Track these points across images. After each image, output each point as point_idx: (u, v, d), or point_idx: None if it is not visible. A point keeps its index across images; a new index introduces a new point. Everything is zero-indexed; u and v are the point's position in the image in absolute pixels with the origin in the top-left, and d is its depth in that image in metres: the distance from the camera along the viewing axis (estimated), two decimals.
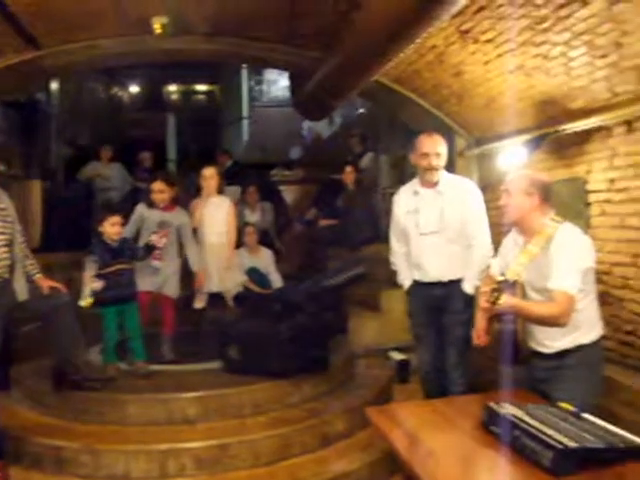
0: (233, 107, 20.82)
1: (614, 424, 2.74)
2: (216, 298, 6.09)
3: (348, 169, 8.19)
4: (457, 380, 4.47)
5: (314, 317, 5.29)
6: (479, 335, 3.63)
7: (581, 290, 3.17)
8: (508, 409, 2.81)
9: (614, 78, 4.13)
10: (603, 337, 3.44)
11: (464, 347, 4.47)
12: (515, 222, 3.43)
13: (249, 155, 16.14)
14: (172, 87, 21.19)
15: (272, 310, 5.36)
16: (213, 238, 5.99)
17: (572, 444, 2.44)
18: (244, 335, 5.17)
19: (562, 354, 3.32)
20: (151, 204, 5.65)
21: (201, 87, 22.03)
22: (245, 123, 20.48)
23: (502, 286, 3.07)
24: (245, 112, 20.66)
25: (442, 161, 4.42)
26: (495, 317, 3.44)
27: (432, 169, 4.38)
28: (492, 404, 2.88)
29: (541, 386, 3.38)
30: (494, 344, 3.58)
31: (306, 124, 16.86)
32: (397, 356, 6.24)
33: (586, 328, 3.31)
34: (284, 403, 4.91)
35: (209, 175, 6.05)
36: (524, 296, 3.41)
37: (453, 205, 4.39)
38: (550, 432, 2.54)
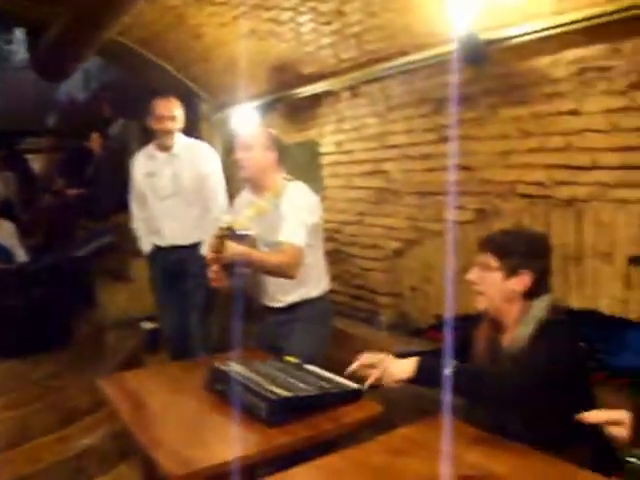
0: None
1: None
2: None
3: (94, 135, 7.89)
4: (200, 344, 4.48)
5: (54, 290, 5.07)
6: (214, 278, 3.33)
7: (309, 245, 3.25)
8: (231, 367, 2.84)
9: (338, 45, 4.30)
10: (335, 292, 3.61)
11: (205, 310, 4.52)
12: (251, 177, 3.42)
13: None
14: None
15: (8, 285, 5.06)
16: None
17: (285, 394, 2.52)
18: None
19: (292, 308, 3.41)
20: None
21: None
22: None
23: (227, 234, 3.06)
24: None
25: (177, 124, 4.39)
26: (226, 271, 3.35)
27: (167, 132, 4.36)
28: (217, 363, 2.90)
29: (274, 341, 3.44)
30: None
31: (62, 88, 16.00)
32: (148, 325, 6.13)
33: (314, 282, 3.43)
34: (23, 382, 4.65)
35: None
36: None
37: (188, 168, 4.38)
38: (267, 385, 2.60)
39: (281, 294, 3.44)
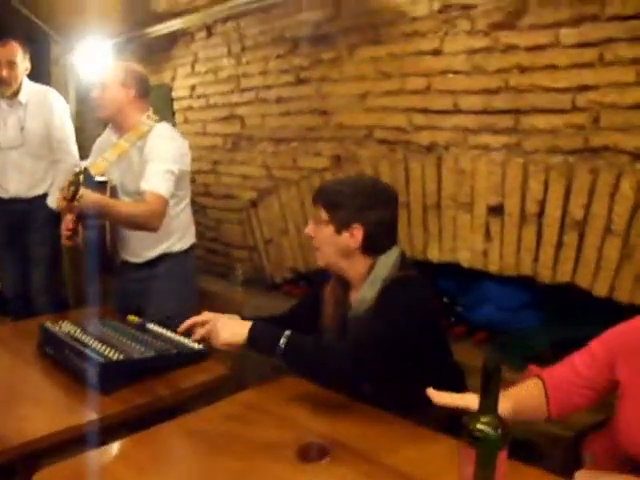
0: None
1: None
2: None
3: None
4: (46, 306, 4.17)
5: None
6: (65, 235, 2.97)
7: (175, 195, 2.95)
8: (62, 327, 2.56)
9: None
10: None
11: (51, 267, 4.22)
12: (108, 117, 3.06)
13: None
14: None
15: None
16: None
17: (118, 357, 2.27)
18: None
19: (154, 263, 3.11)
20: None
21: None
22: None
23: (79, 179, 2.68)
24: None
25: (17, 71, 4.04)
26: (81, 221, 2.93)
27: (4, 80, 4.00)
28: (47, 323, 2.60)
29: (133, 299, 3.13)
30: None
31: None
32: None
33: (179, 235, 3.14)
34: None
35: None
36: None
37: (36, 117, 4.08)
38: (99, 348, 2.34)
39: (142, 248, 3.10)
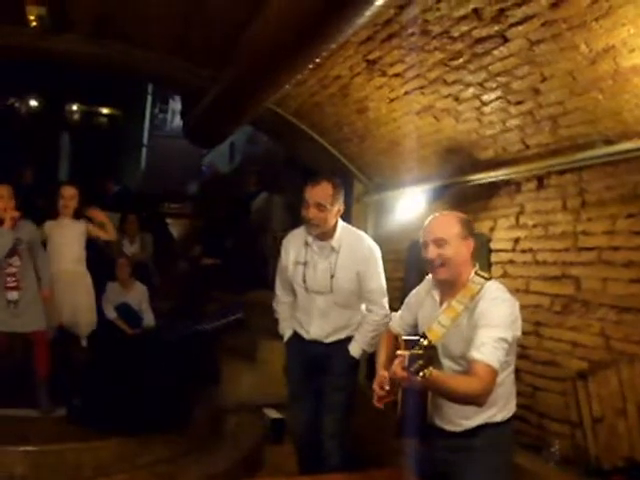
0: (134, 133, 20.29)
1: None
2: (67, 335, 5.27)
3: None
4: (334, 451, 3.93)
5: (178, 365, 4.68)
6: (379, 395, 2.78)
7: (503, 361, 2.66)
8: None
9: (528, 128, 3.81)
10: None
11: (344, 415, 3.99)
12: (452, 276, 2.81)
13: (145, 184, 15.67)
14: (74, 106, 20.34)
15: (132, 355, 4.72)
16: (66, 265, 5.24)
17: None
18: (93, 381, 4.47)
19: (471, 433, 2.81)
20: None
21: (104, 110, 21.31)
22: (144, 151, 19.98)
23: (431, 355, 2.42)
24: (145, 140, 20.14)
25: (325, 214, 3.78)
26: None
27: (311, 221, 3.81)
28: None
29: (440, 468, 2.86)
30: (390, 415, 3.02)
31: (206, 159, 16.48)
32: (272, 414, 5.66)
33: (502, 404, 2.84)
34: (132, 465, 4.18)
35: (69, 195, 5.32)
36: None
37: (348, 267, 3.86)
38: None
39: (461, 417, 2.82)
